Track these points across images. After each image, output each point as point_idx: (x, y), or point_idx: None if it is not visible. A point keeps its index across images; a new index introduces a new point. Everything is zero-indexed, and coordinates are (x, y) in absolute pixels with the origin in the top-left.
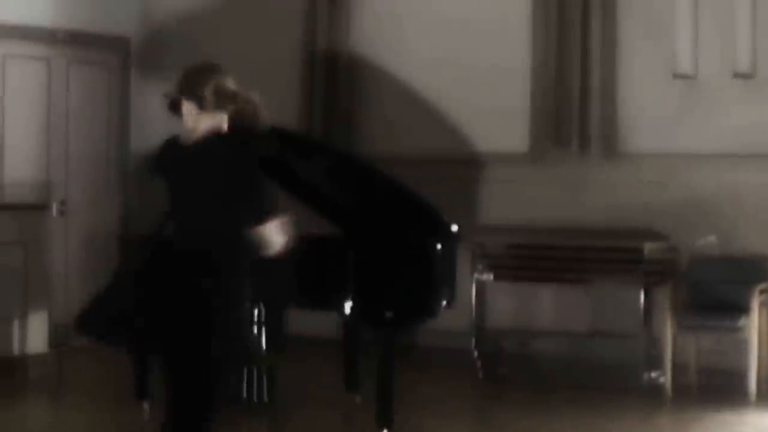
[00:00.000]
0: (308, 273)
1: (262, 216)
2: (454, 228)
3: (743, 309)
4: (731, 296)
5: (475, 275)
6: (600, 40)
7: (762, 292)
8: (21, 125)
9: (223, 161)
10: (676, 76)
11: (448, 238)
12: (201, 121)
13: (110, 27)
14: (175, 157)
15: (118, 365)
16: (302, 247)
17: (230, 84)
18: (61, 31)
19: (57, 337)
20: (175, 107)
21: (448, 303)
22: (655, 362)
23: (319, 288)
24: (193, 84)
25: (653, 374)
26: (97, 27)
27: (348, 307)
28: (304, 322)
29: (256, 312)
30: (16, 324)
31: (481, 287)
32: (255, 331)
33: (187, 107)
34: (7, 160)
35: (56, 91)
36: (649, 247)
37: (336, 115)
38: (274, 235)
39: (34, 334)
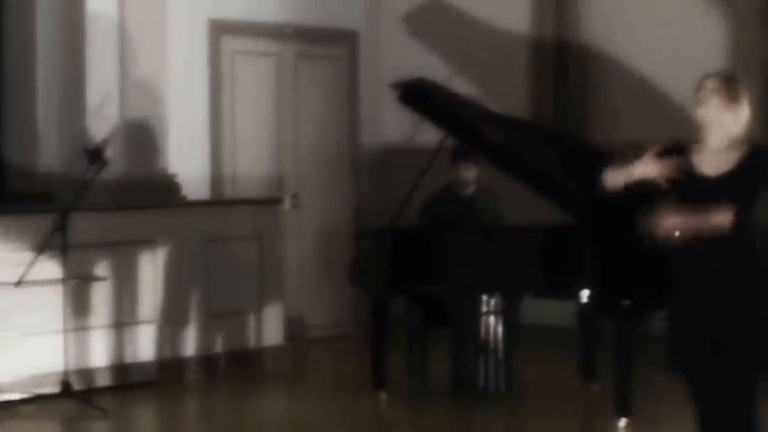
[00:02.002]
0: (545, 262)
1: None
2: None
3: None
4: None
5: None
6: None
7: None
8: (252, 121)
9: None
10: None
11: None
12: None
13: (338, 21)
14: None
15: (352, 356)
16: (538, 236)
17: None
18: (289, 27)
19: (292, 329)
20: (405, 99)
21: None
22: None
23: (556, 277)
24: None
25: None
26: (325, 21)
27: (585, 296)
28: (541, 311)
29: (492, 302)
30: (251, 317)
31: None
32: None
33: None
34: (240, 155)
35: (285, 86)
36: None
37: (566, 103)
38: None
39: (269, 327)
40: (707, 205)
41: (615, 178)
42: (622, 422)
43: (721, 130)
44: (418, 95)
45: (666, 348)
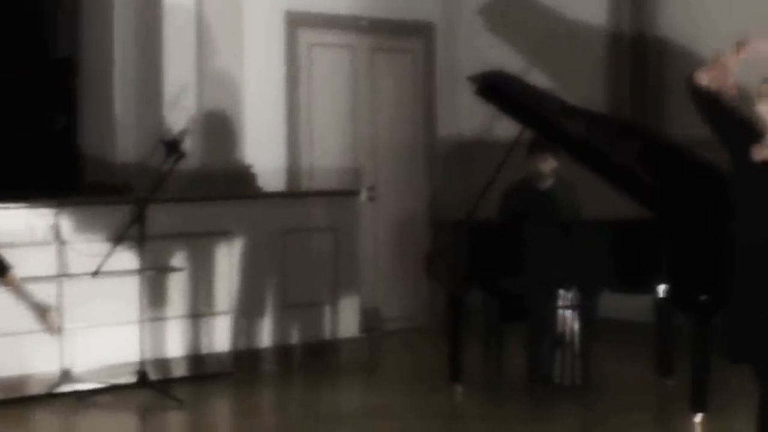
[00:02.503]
0: (622, 256)
1: None
2: None
3: None
4: None
5: None
6: None
7: None
8: (328, 113)
9: None
10: None
11: None
12: None
13: (414, 13)
14: None
15: (427, 348)
16: (616, 230)
17: None
18: (365, 19)
19: (367, 321)
20: (483, 91)
21: None
22: None
23: (633, 271)
24: None
25: None
26: (401, 14)
27: (661, 290)
28: (618, 305)
29: (569, 296)
30: (327, 309)
31: None
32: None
33: None
34: (317, 147)
35: (362, 78)
36: None
37: (643, 97)
38: None
39: (345, 319)
40: None
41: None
42: (698, 417)
43: None
44: (495, 88)
45: (725, 340)
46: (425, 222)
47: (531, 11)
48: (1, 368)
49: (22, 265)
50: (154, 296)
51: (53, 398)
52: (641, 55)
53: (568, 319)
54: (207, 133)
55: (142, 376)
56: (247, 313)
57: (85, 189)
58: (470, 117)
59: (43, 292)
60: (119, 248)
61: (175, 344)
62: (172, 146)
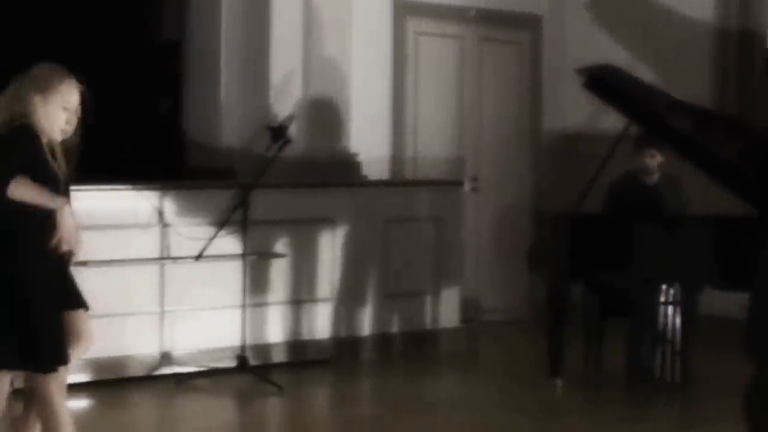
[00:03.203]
0: (725, 253)
1: None
2: None
3: None
4: None
5: None
6: None
7: None
8: (434, 102)
9: None
10: None
11: None
12: None
13: (522, 5)
14: None
15: (526, 342)
16: (720, 226)
17: None
18: (473, 9)
19: (467, 312)
20: (590, 85)
21: None
22: None
23: (736, 268)
24: None
25: None
26: (508, 5)
27: None
28: (720, 302)
29: (671, 292)
30: (428, 299)
31: None
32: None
33: None
34: (421, 136)
35: (468, 68)
36: None
37: (749, 93)
38: None
39: (446, 309)
40: None
41: None
42: None
43: None
44: (602, 81)
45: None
46: (528, 214)
47: (638, 5)
48: (102, 350)
49: (126, 247)
50: (256, 282)
51: (152, 380)
52: (748, 51)
53: (670, 315)
54: (312, 120)
55: (242, 361)
56: (348, 300)
57: (190, 173)
58: (576, 110)
59: (147, 274)
60: (222, 233)
61: (275, 330)
62: (278, 132)
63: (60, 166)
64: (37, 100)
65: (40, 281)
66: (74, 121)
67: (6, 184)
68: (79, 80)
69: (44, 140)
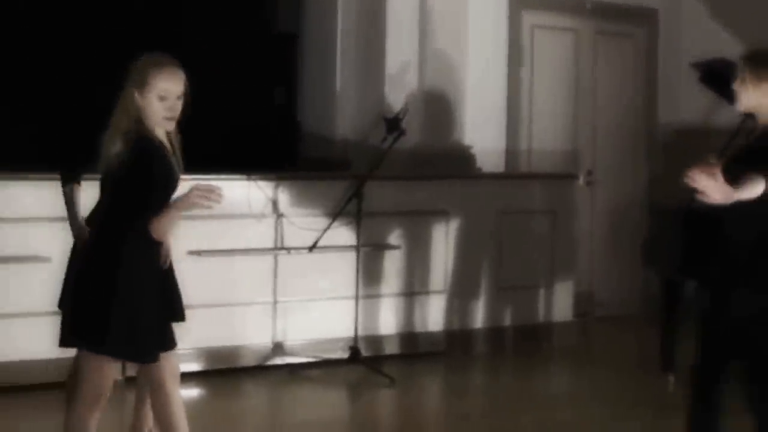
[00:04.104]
0: None
1: None
2: None
3: None
4: None
5: None
6: None
7: None
8: (549, 95)
9: None
10: None
11: None
12: None
13: None
14: None
15: (640, 336)
16: None
17: None
18: (589, 2)
19: (581, 306)
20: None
21: None
22: None
23: None
24: None
25: None
26: None
27: None
28: None
29: None
30: (541, 292)
31: None
32: None
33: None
34: (536, 129)
35: (583, 61)
36: None
37: None
38: None
39: (559, 303)
40: None
41: None
42: None
43: None
44: (718, 75)
45: None
46: (642, 208)
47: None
48: (216, 339)
49: (240, 238)
50: (369, 273)
51: (265, 371)
52: None
53: None
54: (427, 111)
55: (354, 352)
56: (461, 293)
57: (304, 164)
58: (691, 104)
59: (260, 265)
60: (336, 224)
61: (388, 322)
62: (393, 124)
63: (176, 158)
64: (137, 98)
65: (140, 272)
66: (177, 108)
67: (148, 223)
68: (184, 67)
69: (160, 137)
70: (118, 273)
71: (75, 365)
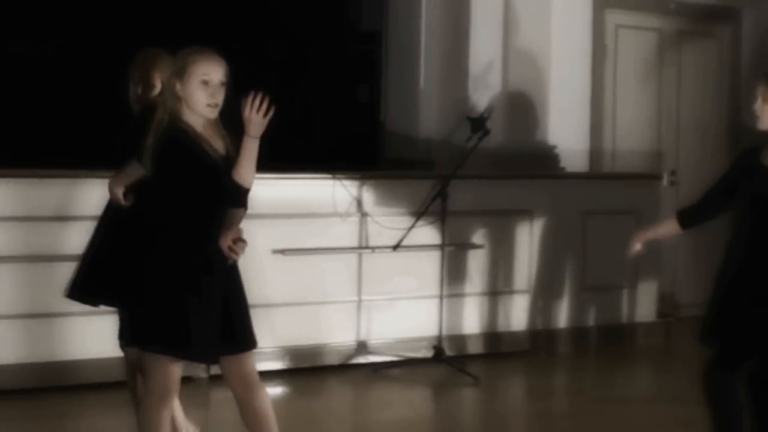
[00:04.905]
0: None
1: None
2: None
3: None
4: None
5: None
6: None
7: None
8: (633, 95)
9: None
10: None
11: None
12: None
13: None
14: None
15: None
16: None
17: None
18: (672, 2)
19: (664, 306)
20: None
21: None
22: None
23: None
24: None
25: None
26: None
27: None
28: None
29: None
30: (625, 293)
31: None
32: None
33: None
34: (620, 129)
35: (667, 61)
36: None
37: None
38: None
39: (643, 303)
40: None
41: None
42: None
43: None
44: None
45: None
46: None
47: None
48: (300, 338)
49: (324, 236)
50: (453, 272)
51: (348, 369)
52: None
53: None
54: (511, 111)
55: (438, 351)
56: (545, 293)
57: (387, 163)
58: None
59: (344, 263)
60: (420, 223)
61: (471, 321)
62: (478, 123)
63: (216, 146)
64: (178, 88)
65: (181, 270)
66: (220, 96)
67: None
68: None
69: (196, 127)
70: (160, 269)
71: (127, 363)
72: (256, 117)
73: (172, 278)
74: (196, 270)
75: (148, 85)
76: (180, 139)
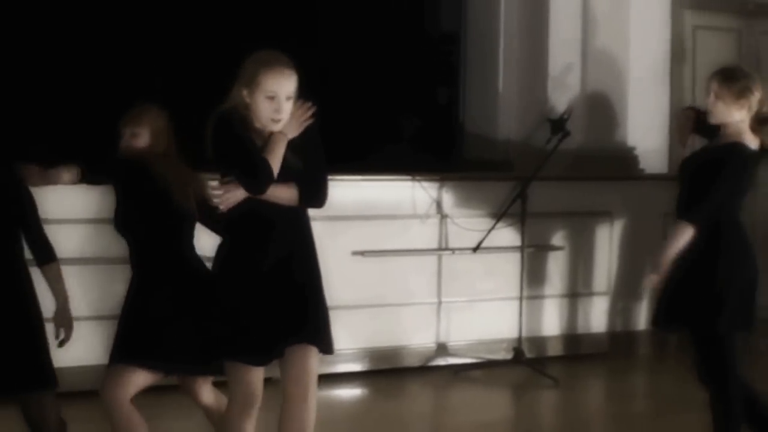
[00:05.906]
0: None
1: None
2: None
3: None
4: None
5: None
6: None
7: None
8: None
9: None
10: None
11: None
12: None
13: None
14: None
15: None
16: None
17: None
18: (751, 3)
19: None
20: None
21: None
22: None
23: None
24: None
25: None
26: None
27: None
28: None
29: None
30: None
31: None
32: None
33: None
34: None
35: (747, 62)
36: None
37: None
38: None
39: None
40: None
41: None
42: None
43: None
44: None
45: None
46: None
47: None
48: (379, 339)
49: (404, 238)
50: (533, 274)
51: (428, 371)
52: None
53: None
54: (590, 113)
55: (518, 353)
56: (625, 295)
57: (466, 164)
58: None
59: (424, 265)
60: (500, 224)
61: (551, 323)
62: (558, 125)
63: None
64: (244, 94)
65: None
66: (286, 110)
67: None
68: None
69: (255, 129)
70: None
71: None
72: (297, 120)
73: (229, 283)
74: (240, 272)
75: (136, 137)
76: (230, 120)
